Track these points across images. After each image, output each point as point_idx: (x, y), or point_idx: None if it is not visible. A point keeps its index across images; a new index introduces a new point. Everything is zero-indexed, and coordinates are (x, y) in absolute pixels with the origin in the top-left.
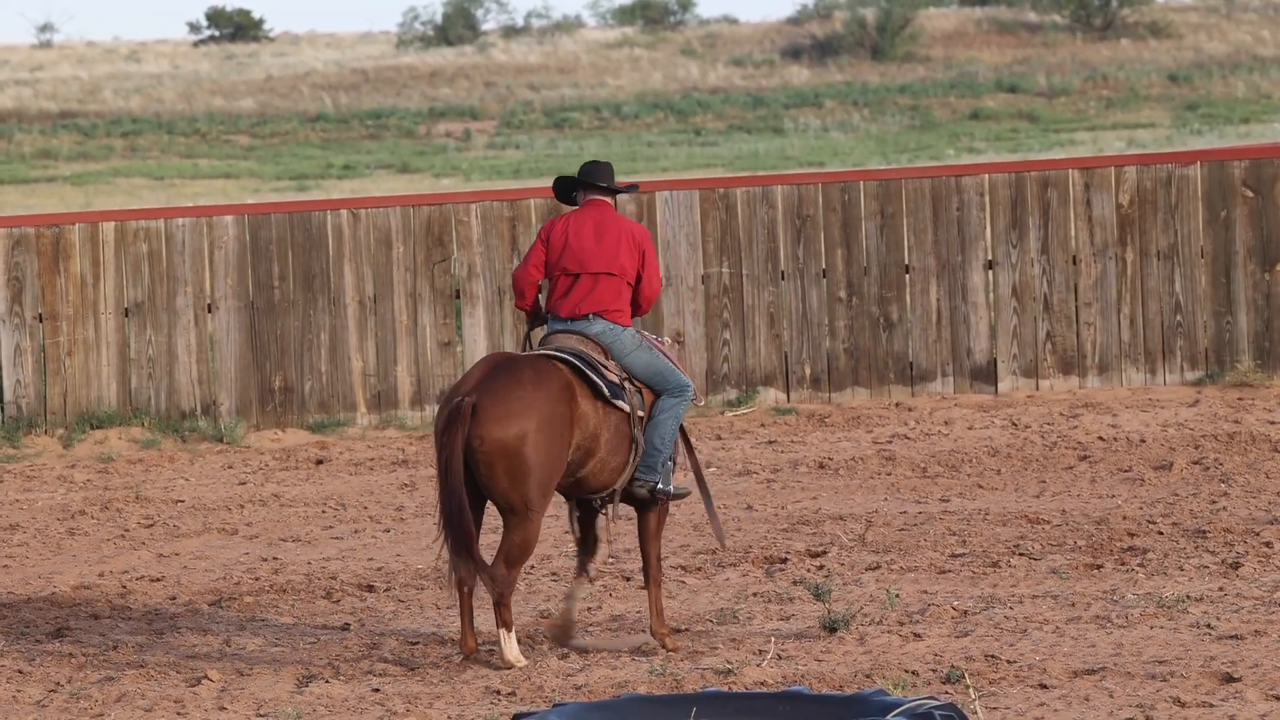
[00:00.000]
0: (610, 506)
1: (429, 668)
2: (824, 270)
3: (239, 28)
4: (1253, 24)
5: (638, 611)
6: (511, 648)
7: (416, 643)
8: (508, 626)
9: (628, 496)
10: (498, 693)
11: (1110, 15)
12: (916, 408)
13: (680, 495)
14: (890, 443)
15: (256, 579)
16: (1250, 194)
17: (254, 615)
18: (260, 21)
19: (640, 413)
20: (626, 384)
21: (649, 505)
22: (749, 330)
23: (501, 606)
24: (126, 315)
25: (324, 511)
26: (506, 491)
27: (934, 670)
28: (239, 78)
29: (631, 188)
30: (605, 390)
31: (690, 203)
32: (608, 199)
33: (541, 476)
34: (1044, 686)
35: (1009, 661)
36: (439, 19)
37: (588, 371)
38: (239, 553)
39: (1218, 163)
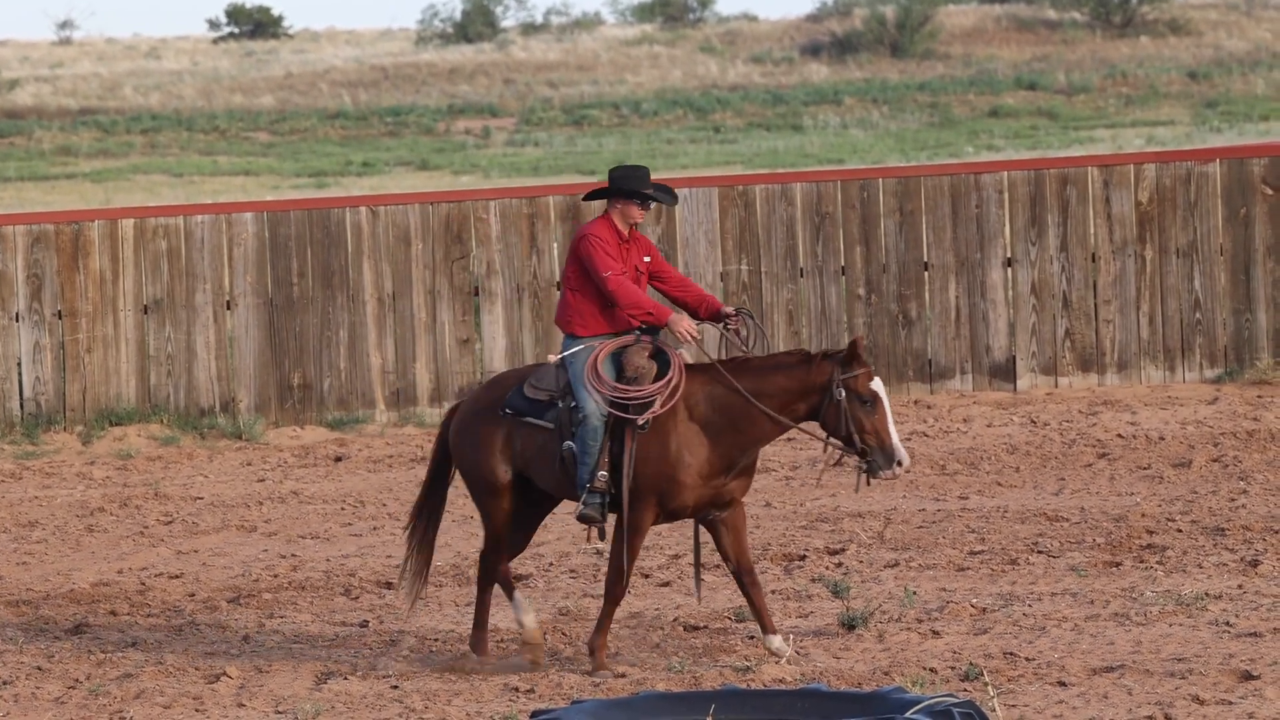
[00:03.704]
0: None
1: (447, 664)
2: (843, 267)
3: (258, 25)
4: (1273, 21)
5: (656, 609)
6: None
7: (435, 640)
8: None
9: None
10: (516, 690)
11: (1130, 12)
12: (935, 405)
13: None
14: (909, 440)
15: (275, 576)
16: (1270, 191)
17: (273, 612)
18: (280, 18)
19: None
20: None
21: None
22: (767, 327)
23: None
24: (145, 312)
25: (343, 509)
26: None
27: (952, 668)
28: (258, 74)
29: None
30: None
31: (709, 200)
32: (611, 205)
33: None
34: (1062, 684)
35: (1027, 659)
36: (458, 16)
37: None
38: (258, 550)
39: (1237, 160)
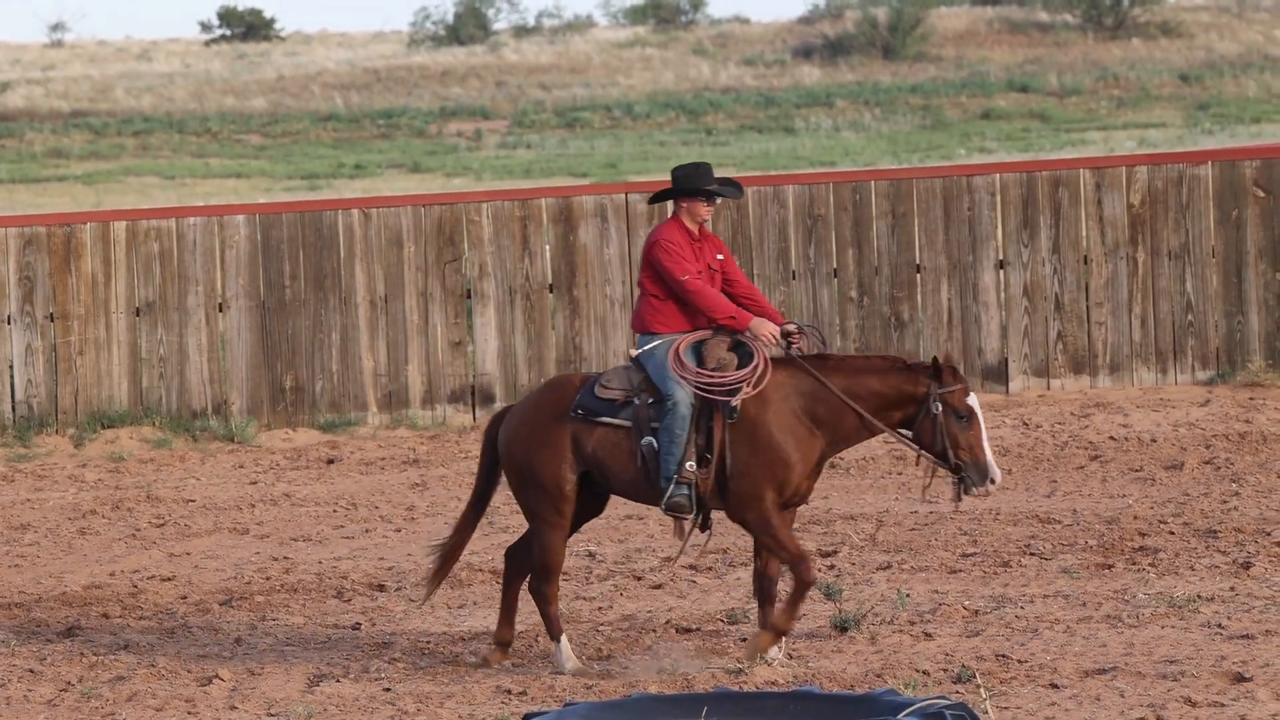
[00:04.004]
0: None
1: (440, 667)
2: (835, 270)
3: (250, 27)
4: (1264, 24)
5: (648, 611)
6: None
7: (427, 642)
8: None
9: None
10: (509, 692)
11: (1122, 15)
12: None
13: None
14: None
15: (267, 578)
16: (1262, 194)
17: (265, 615)
18: (272, 21)
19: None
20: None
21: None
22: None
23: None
24: (138, 314)
25: (335, 511)
26: None
27: (945, 670)
28: (250, 77)
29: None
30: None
31: None
32: (677, 205)
33: None
34: (1055, 686)
35: (1020, 661)
36: (450, 18)
37: None
38: (250, 552)
39: (1229, 162)
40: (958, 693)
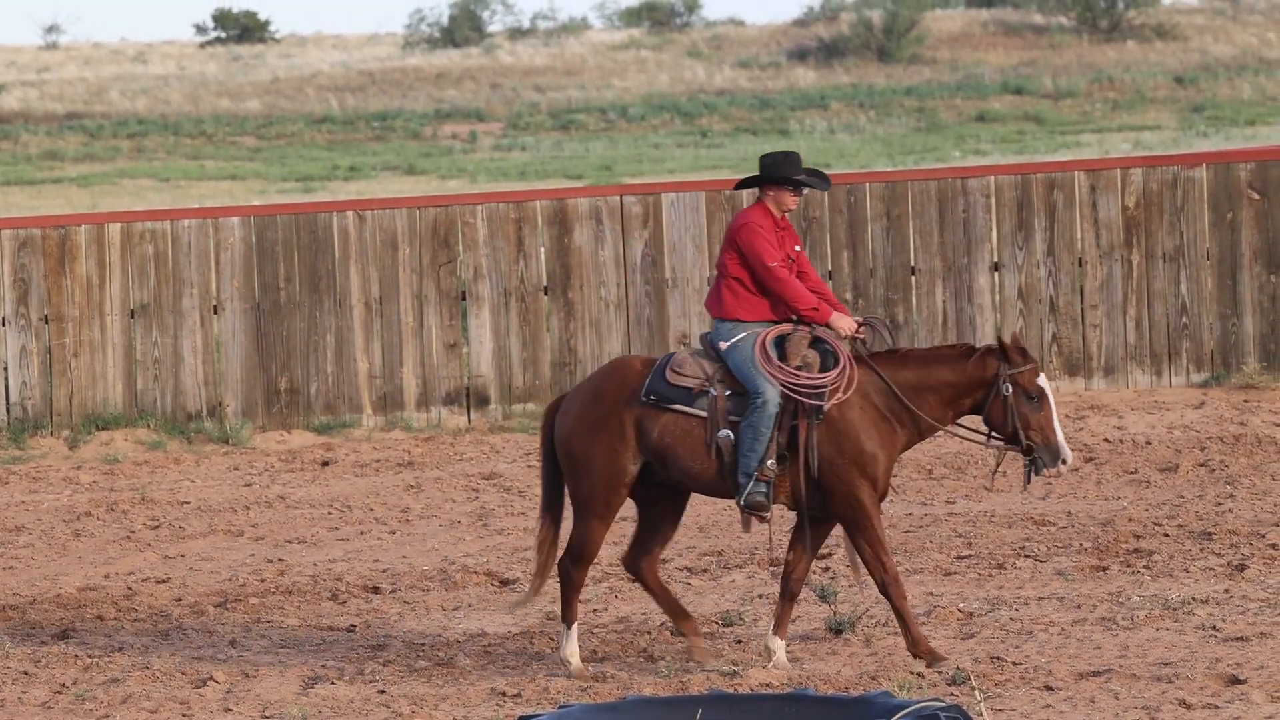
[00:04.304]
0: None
1: (434, 669)
2: (830, 272)
3: (245, 29)
4: (1259, 26)
5: (643, 613)
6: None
7: (422, 644)
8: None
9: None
10: (503, 694)
11: (1116, 17)
12: None
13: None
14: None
15: (262, 580)
16: (1256, 196)
17: (259, 617)
18: (266, 23)
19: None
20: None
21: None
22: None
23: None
24: (132, 317)
25: (329, 513)
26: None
27: (939, 672)
28: (245, 79)
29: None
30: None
31: (696, 205)
32: (764, 192)
33: None
34: (1049, 688)
35: (1014, 663)
36: (445, 21)
37: None
38: (244, 554)
39: (1224, 165)
40: (952, 695)
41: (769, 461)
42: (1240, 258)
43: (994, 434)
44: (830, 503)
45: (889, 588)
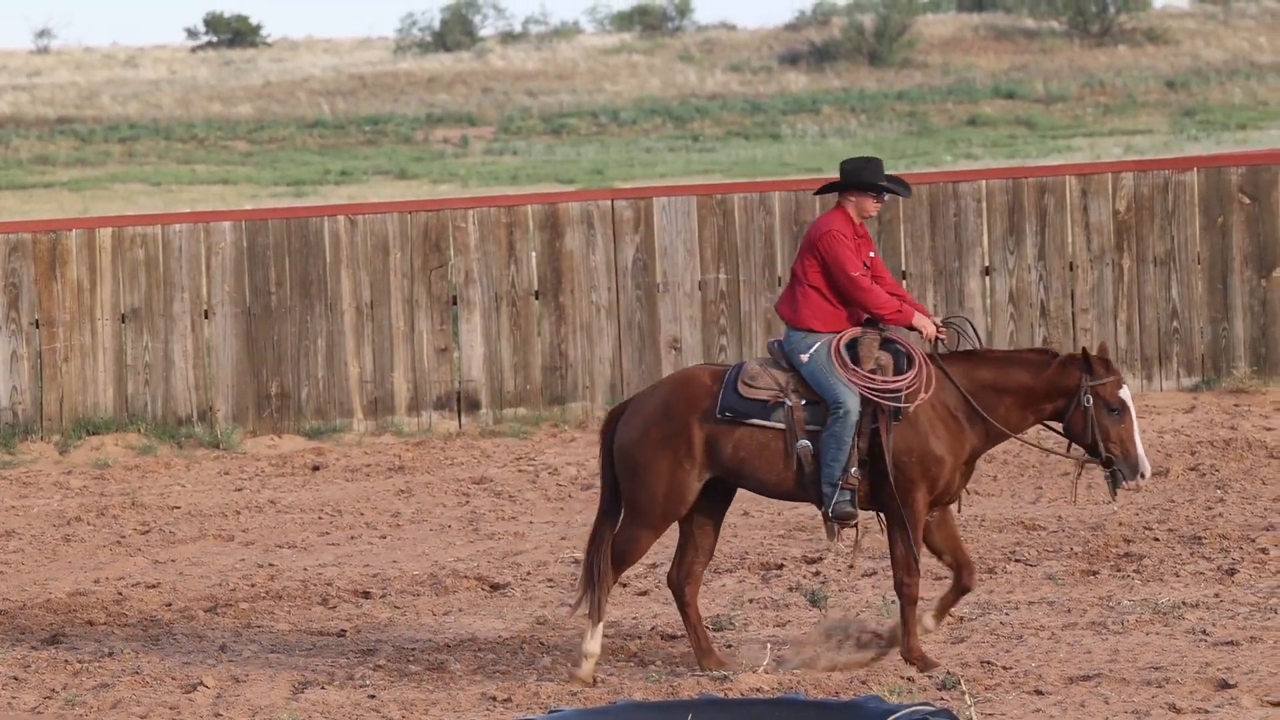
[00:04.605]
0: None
1: (425, 674)
2: None
3: (237, 34)
4: (1250, 30)
5: (633, 618)
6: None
7: (413, 649)
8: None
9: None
10: (494, 699)
11: (1107, 21)
12: None
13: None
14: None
15: (252, 585)
16: (1247, 200)
17: (250, 622)
18: (258, 27)
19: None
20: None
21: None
22: (745, 336)
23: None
24: (123, 321)
25: (320, 518)
26: None
27: (930, 676)
28: (237, 83)
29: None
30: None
31: (688, 209)
32: (844, 198)
33: None
34: (1039, 693)
35: (1005, 668)
36: (437, 25)
37: None
38: (235, 559)
39: (1215, 169)
40: (942, 699)
41: (853, 469)
42: (1231, 262)
43: (1073, 444)
44: (881, 493)
45: (906, 589)
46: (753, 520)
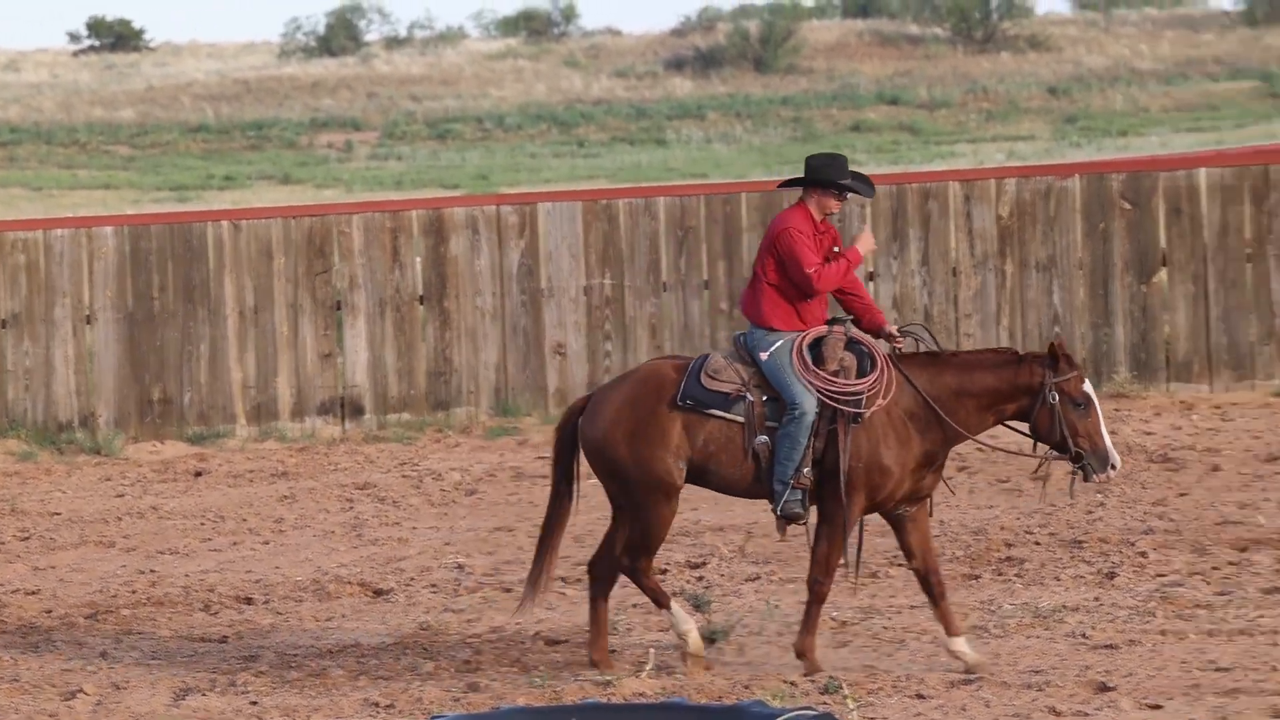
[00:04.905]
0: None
1: (307, 680)
2: (706, 281)
3: (119, 37)
4: (1131, 38)
5: (517, 623)
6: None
7: (295, 655)
8: None
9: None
10: (376, 704)
11: (991, 28)
12: None
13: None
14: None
15: (134, 592)
16: (1128, 206)
17: (131, 628)
18: (141, 31)
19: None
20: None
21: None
22: (630, 341)
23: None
24: (4, 326)
25: (202, 524)
26: None
27: (812, 681)
28: (119, 88)
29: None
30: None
31: (573, 214)
32: (806, 194)
33: None
34: (921, 697)
35: (887, 672)
36: (321, 29)
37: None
38: (116, 565)
39: (1096, 175)
40: (825, 704)
41: (805, 470)
42: (1112, 267)
43: (1040, 442)
44: (823, 491)
45: (818, 587)
46: None
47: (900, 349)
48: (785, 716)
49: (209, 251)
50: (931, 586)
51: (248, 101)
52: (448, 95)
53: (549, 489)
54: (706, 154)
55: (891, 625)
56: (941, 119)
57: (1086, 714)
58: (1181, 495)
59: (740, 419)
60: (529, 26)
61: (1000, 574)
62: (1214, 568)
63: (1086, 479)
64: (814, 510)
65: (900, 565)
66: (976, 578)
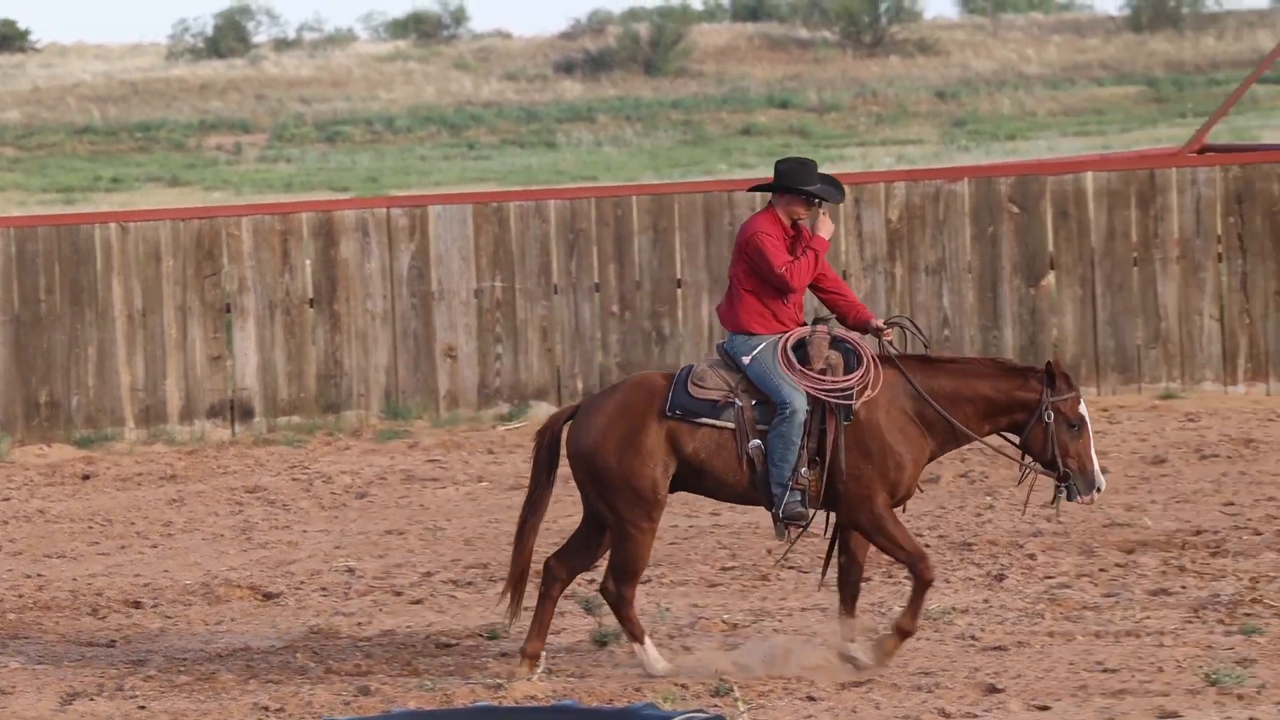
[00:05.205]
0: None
1: (196, 684)
2: (597, 284)
3: (4, 38)
4: (1018, 42)
5: (408, 627)
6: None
7: (184, 659)
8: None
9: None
10: (266, 708)
11: (880, 32)
12: None
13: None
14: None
15: (20, 596)
16: (1016, 210)
17: (17, 633)
18: (26, 32)
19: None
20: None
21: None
22: (521, 344)
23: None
24: None
25: (90, 527)
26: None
27: (703, 683)
28: (4, 89)
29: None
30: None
31: (463, 217)
32: (775, 198)
33: None
34: (812, 699)
35: (778, 674)
36: (210, 31)
37: None
38: (2, 569)
39: (985, 179)
40: (715, 706)
41: (802, 469)
42: (1001, 271)
43: (1029, 456)
44: (841, 505)
45: (916, 564)
46: None
47: (890, 342)
48: (677, 719)
49: (97, 254)
50: (850, 588)
51: (135, 103)
52: (337, 97)
53: (525, 492)
54: (597, 157)
55: (782, 627)
56: (831, 122)
57: (975, 715)
58: None
59: (731, 425)
60: (419, 29)
61: (890, 576)
62: (1101, 570)
63: (1070, 498)
64: (817, 515)
65: (790, 568)
66: (867, 580)
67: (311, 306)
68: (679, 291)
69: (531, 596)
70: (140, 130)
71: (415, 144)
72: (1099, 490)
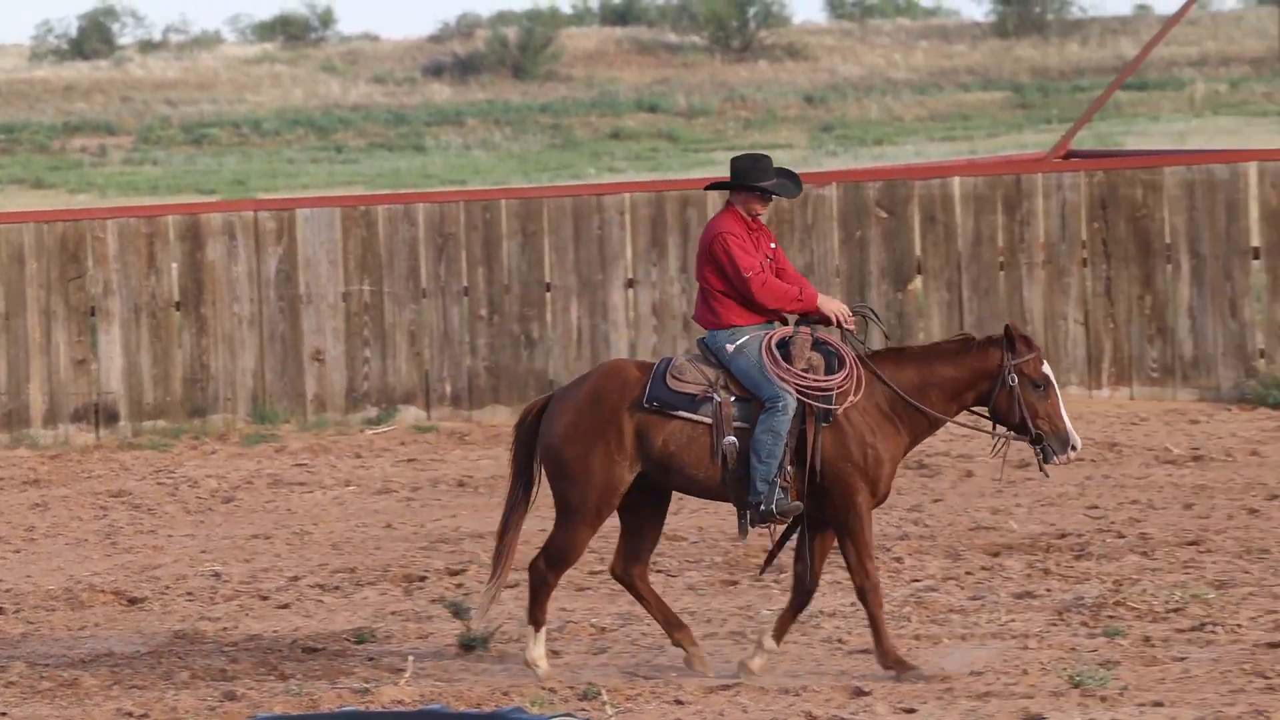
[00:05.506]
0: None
1: (59, 690)
2: (465, 288)
3: None
4: (886, 47)
5: (275, 631)
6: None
7: (46, 665)
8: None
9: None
10: (130, 714)
11: (748, 37)
12: None
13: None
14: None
15: None
16: (884, 215)
17: None
18: None
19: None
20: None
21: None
22: (390, 348)
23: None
24: None
25: None
26: None
27: (571, 687)
28: None
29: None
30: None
31: (331, 220)
32: (733, 196)
33: None
34: (679, 702)
35: (645, 678)
36: (74, 32)
37: None
38: None
39: (852, 184)
40: (583, 709)
41: (787, 466)
42: (869, 275)
43: (1000, 424)
44: (826, 505)
45: (868, 594)
46: (395, 532)
47: (852, 330)
48: None
49: None
50: (801, 593)
51: None
52: (204, 100)
53: (506, 488)
54: (466, 160)
55: (650, 631)
56: (700, 127)
57: (842, 718)
58: (936, 501)
59: (707, 420)
60: (286, 31)
61: (758, 580)
62: (967, 573)
63: (1046, 460)
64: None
65: (659, 571)
66: (735, 584)
67: (178, 310)
68: (548, 295)
69: (521, 599)
70: (3, 132)
71: (282, 147)
72: (1075, 449)
